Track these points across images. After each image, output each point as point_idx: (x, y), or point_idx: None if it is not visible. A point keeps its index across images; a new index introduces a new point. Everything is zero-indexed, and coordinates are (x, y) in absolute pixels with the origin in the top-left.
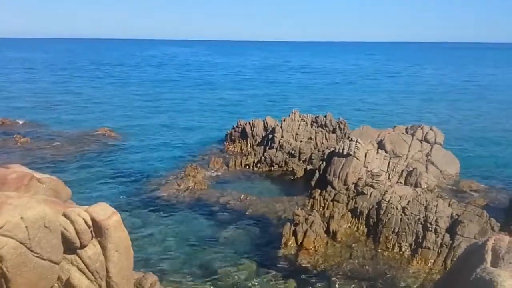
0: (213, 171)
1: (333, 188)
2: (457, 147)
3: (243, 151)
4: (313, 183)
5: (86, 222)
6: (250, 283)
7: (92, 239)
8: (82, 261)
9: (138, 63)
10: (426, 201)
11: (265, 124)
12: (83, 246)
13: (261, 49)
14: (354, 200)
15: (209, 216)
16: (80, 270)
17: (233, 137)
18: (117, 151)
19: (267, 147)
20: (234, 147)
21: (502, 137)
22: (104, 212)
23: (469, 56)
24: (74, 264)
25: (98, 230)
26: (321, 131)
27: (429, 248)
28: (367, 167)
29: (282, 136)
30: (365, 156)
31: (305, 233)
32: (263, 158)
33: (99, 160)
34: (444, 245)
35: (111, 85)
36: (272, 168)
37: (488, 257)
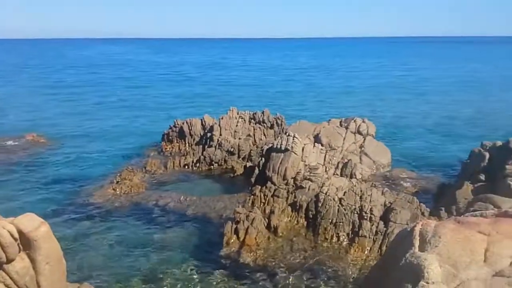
0: (150, 173)
1: (273, 183)
2: (388, 138)
3: (182, 151)
4: (253, 179)
5: (12, 235)
6: (193, 285)
7: (19, 253)
8: (10, 277)
9: (69, 64)
10: (361, 191)
11: (203, 123)
12: (9, 261)
13: (200, 46)
14: (293, 194)
15: (148, 220)
16: (7, 286)
17: (170, 137)
18: (47, 157)
19: (206, 146)
20: (172, 147)
21: (429, 127)
22: (32, 223)
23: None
24: (0, 281)
25: (26, 242)
26: (259, 128)
27: (365, 236)
28: (305, 161)
29: (220, 134)
30: (303, 150)
31: (246, 230)
32: (202, 157)
33: (26, 168)
34: (379, 232)
35: (39, 88)
36: (212, 166)
37: (416, 242)
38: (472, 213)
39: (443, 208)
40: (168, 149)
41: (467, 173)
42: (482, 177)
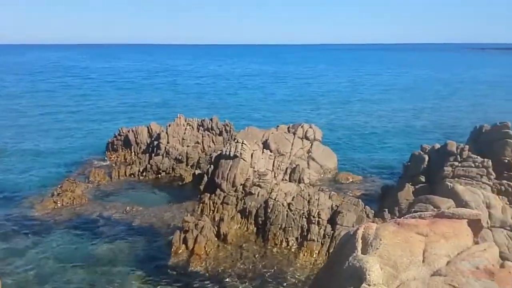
0: (94, 183)
1: (222, 190)
2: (334, 143)
3: (127, 160)
4: (202, 187)
5: None
6: None
7: None
8: None
9: (6, 72)
10: (309, 195)
11: (150, 131)
12: None
13: (143, 52)
14: (242, 201)
15: (92, 232)
16: None
17: (115, 146)
18: None
19: (153, 154)
20: (117, 157)
21: (373, 131)
22: None
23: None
24: None
25: None
26: (208, 135)
27: (313, 240)
28: (254, 167)
29: (168, 142)
30: (251, 156)
31: (195, 239)
32: (149, 166)
33: None
34: (326, 236)
35: None
36: (159, 175)
37: (359, 245)
38: (411, 214)
39: (386, 210)
40: (113, 158)
41: (408, 175)
42: (422, 178)
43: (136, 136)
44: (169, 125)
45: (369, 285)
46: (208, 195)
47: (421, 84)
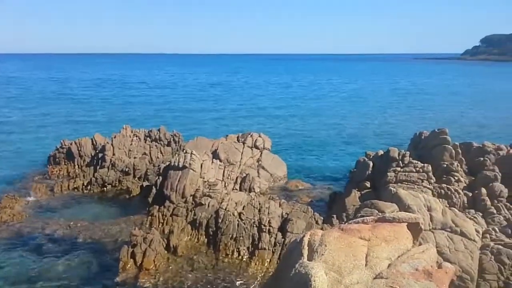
0: (35, 199)
1: (171, 202)
2: (284, 151)
3: (70, 174)
4: (150, 199)
5: None
6: None
7: None
8: None
9: None
10: (260, 204)
11: (94, 142)
12: None
13: (87, 62)
14: (193, 212)
15: (34, 250)
16: None
17: (57, 159)
18: None
19: (98, 167)
20: (60, 170)
21: (321, 140)
22: None
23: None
24: None
25: None
26: (156, 145)
27: (264, 249)
28: (204, 178)
29: (113, 154)
30: (201, 167)
31: (144, 253)
32: (93, 179)
33: None
34: (277, 244)
35: None
36: (105, 188)
37: (305, 252)
38: (354, 220)
39: (334, 216)
40: (55, 172)
41: (354, 182)
42: (368, 184)
43: (79, 149)
44: (115, 137)
45: None
46: (157, 207)
47: (367, 93)
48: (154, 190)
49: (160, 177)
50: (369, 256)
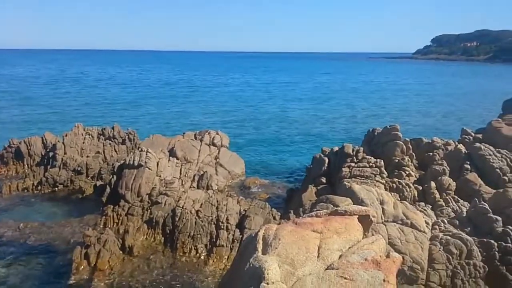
0: None
1: (127, 201)
2: (241, 148)
3: (19, 174)
4: (104, 199)
5: None
6: None
7: None
8: None
9: None
10: (217, 201)
11: (44, 141)
12: None
13: (31, 58)
14: (149, 211)
15: None
16: None
17: (5, 159)
18: None
19: (49, 166)
20: (8, 170)
21: (278, 137)
22: None
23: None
24: None
25: None
26: (110, 144)
27: (222, 246)
28: (160, 176)
29: (65, 153)
30: (157, 165)
31: (98, 253)
32: (44, 179)
33: None
34: (235, 240)
35: None
36: (57, 188)
37: (259, 246)
38: (308, 214)
39: (292, 211)
40: (3, 172)
41: (311, 177)
42: (324, 180)
43: (28, 148)
44: (66, 135)
45: (267, 283)
46: (111, 207)
47: (323, 91)
48: (108, 190)
49: (115, 176)
50: (321, 248)
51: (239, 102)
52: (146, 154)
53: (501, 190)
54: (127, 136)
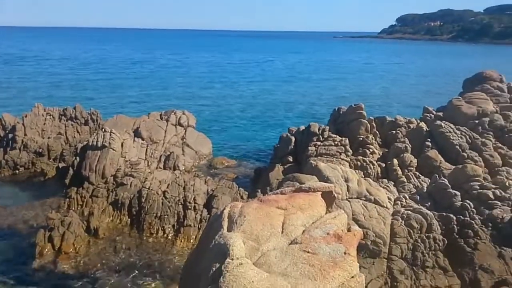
0: None
1: (91, 183)
2: (208, 128)
3: None
4: (67, 181)
5: None
6: None
7: None
8: None
9: None
10: (184, 182)
11: (2, 123)
12: None
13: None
14: (114, 192)
15: None
16: None
17: None
18: None
19: (8, 149)
20: None
21: (245, 117)
22: None
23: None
24: None
25: None
26: (72, 125)
27: (190, 226)
28: (125, 157)
29: (25, 134)
30: (122, 146)
31: (62, 236)
32: (3, 161)
33: None
34: (203, 220)
35: None
36: (17, 171)
37: (225, 224)
38: (273, 191)
39: (259, 190)
40: None
41: (278, 156)
42: (290, 159)
43: None
44: (26, 116)
45: (232, 259)
46: (75, 189)
47: (290, 70)
48: (71, 172)
49: (78, 158)
50: (285, 224)
51: (207, 81)
52: (110, 134)
53: (460, 166)
54: (89, 117)
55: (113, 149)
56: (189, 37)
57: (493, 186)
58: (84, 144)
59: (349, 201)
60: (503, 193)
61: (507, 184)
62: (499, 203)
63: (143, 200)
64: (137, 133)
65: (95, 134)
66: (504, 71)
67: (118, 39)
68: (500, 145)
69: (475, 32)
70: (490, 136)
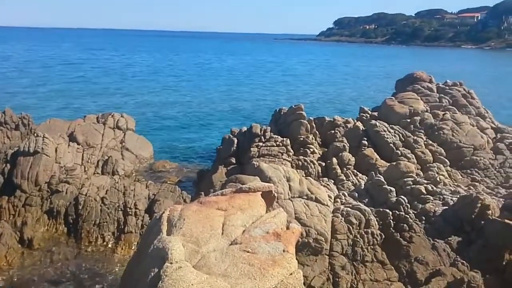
0: None
1: (23, 191)
2: (149, 131)
3: None
4: None
5: None
6: None
7: None
8: None
9: None
10: (124, 187)
11: None
12: None
13: None
14: (49, 200)
15: None
16: None
17: None
18: None
19: None
20: None
21: (187, 119)
22: None
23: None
24: None
25: None
26: (1, 130)
27: (131, 232)
28: (60, 163)
29: None
30: (56, 151)
31: None
32: None
33: None
34: (144, 226)
35: None
36: None
37: (164, 228)
38: (214, 193)
39: (202, 193)
40: None
41: (221, 158)
42: (233, 160)
43: None
44: None
45: (171, 263)
46: (6, 198)
47: (234, 71)
48: (1, 180)
49: (8, 165)
50: (225, 225)
51: (146, 83)
52: (43, 139)
53: (394, 163)
54: (20, 121)
55: (47, 155)
56: (128, 36)
57: (425, 181)
58: (15, 150)
59: (291, 200)
60: (435, 188)
61: (438, 179)
62: (431, 198)
63: (80, 207)
64: (72, 138)
65: (26, 139)
66: (433, 72)
67: (49, 38)
68: (430, 142)
69: (407, 35)
70: (421, 134)
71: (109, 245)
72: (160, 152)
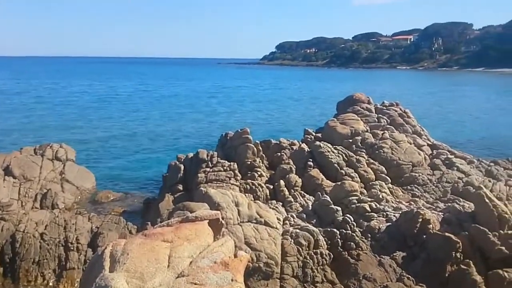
0: None
1: None
2: (90, 161)
3: None
4: None
5: None
6: None
7: None
8: None
9: None
10: (65, 221)
11: None
12: None
13: None
14: None
15: None
16: None
17: None
18: None
19: None
20: None
21: (131, 147)
22: None
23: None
24: None
25: None
26: None
27: (73, 268)
28: None
29: None
30: None
31: None
32: None
33: None
34: (87, 261)
35: None
36: None
37: (107, 264)
38: (159, 224)
39: (149, 223)
40: None
41: (167, 186)
42: (180, 187)
43: None
44: None
45: None
46: None
47: (178, 97)
48: None
49: None
50: (171, 257)
51: (87, 112)
52: None
53: (339, 183)
54: None
55: None
56: (66, 63)
57: (369, 199)
58: None
59: (240, 225)
60: (378, 205)
61: (380, 196)
62: (375, 215)
63: (17, 245)
64: (7, 171)
65: None
66: (371, 93)
67: None
68: (372, 161)
69: (346, 58)
70: (363, 153)
71: (50, 283)
72: (103, 182)
